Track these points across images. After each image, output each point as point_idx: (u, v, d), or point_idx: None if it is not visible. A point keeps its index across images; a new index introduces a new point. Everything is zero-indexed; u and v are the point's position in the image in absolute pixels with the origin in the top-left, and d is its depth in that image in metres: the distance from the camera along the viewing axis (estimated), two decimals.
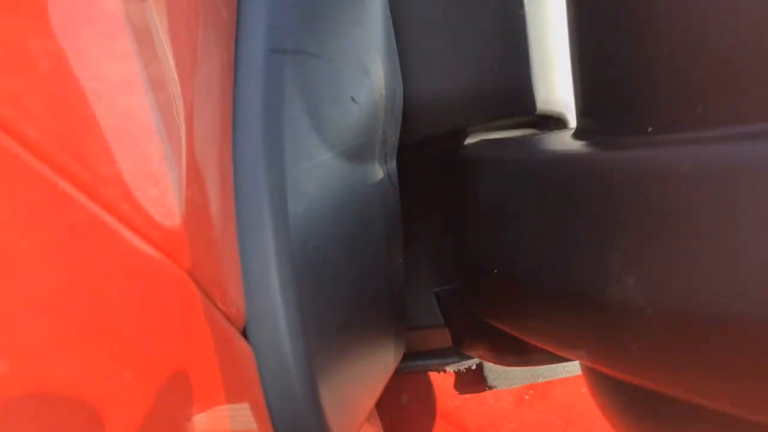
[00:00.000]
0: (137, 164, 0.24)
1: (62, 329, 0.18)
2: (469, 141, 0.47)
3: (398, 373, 0.59)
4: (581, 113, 0.35)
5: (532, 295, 0.34)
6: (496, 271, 0.36)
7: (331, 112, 0.36)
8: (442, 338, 0.55)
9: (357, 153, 0.37)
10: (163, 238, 0.24)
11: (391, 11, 0.42)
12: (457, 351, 0.60)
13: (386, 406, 0.66)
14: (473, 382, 0.70)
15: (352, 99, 0.37)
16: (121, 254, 0.21)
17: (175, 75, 0.28)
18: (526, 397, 0.71)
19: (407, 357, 0.59)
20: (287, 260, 0.31)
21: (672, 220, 0.25)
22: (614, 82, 0.30)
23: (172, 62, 0.28)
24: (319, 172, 0.35)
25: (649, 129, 0.28)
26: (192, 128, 0.30)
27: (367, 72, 0.38)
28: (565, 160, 0.32)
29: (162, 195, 0.25)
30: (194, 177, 0.29)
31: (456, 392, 0.69)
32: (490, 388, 0.69)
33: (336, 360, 0.35)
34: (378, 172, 0.40)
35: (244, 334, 0.30)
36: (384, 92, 0.39)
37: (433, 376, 0.69)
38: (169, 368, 0.22)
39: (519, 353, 0.50)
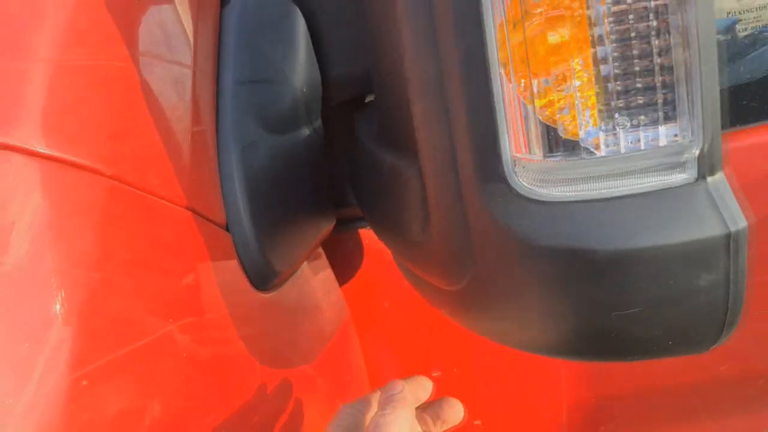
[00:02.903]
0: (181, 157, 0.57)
1: None
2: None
3: (345, 231, 0.90)
4: None
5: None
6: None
7: (269, 108, 0.67)
8: None
9: (286, 125, 0.69)
10: (187, 199, 0.57)
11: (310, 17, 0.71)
12: None
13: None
14: None
15: (282, 100, 0.68)
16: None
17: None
18: None
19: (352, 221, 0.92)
20: (246, 185, 0.64)
21: None
22: None
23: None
24: (264, 140, 0.67)
25: None
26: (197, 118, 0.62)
27: (292, 80, 0.69)
28: None
29: (186, 169, 0.58)
30: (199, 152, 0.61)
31: None
32: None
33: (278, 231, 0.68)
34: (304, 130, 0.72)
35: (227, 227, 0.64)
36: (304, 89, 0.70)
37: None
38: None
39: None
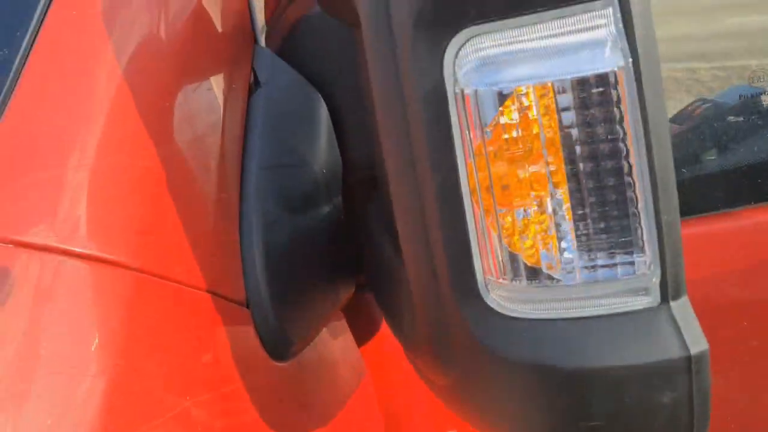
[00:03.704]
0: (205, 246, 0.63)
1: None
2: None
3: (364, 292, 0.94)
4: None
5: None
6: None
7: (291, 190, 0.73)
8: None
9: (307, 205, 0.75)
10: (208, 282, 0.63)
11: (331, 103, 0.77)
12: None
13: None
14: None
15: (303, 182, 0.74)
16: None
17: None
18: None
19: None
20: (266, 263, 0.70)
21: None
22: None
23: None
24: (285, 219, 0.73)
25: None
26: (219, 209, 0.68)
27: (313, 163, 0.74)
28: None
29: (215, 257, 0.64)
30: (221, 235, 0.67)
31: None
32: None
33: (297, 305, 0.74)
34: (324, 207, 0.77)
35: (247, 304, 0.70)
36: (324, 170, 0.75)
37: None
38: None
39: None
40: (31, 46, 0.60)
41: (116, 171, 0.59)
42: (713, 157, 0.91)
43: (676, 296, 0.48)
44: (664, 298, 0.48)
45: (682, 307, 0.48)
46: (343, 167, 0.78)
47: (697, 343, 0.47)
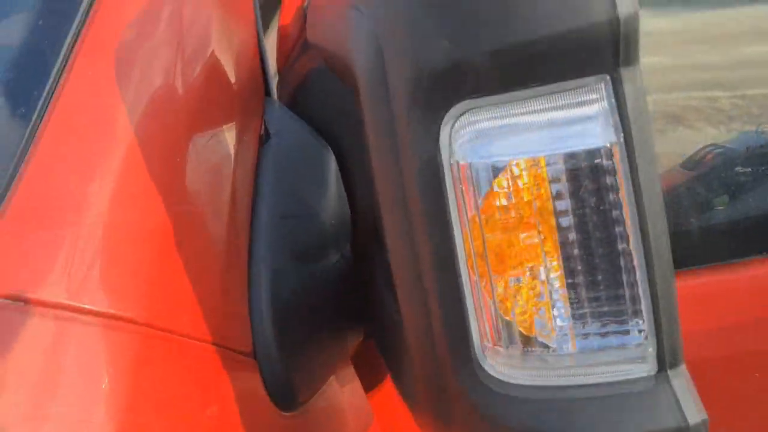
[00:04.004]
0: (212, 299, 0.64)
1: None
2: None
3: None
4: None
5: None
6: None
7: (299, 241, 0.74)
8: None
9: (315, 255, 0.76)
10: (214, 335, 0.64)
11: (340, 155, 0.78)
12: None
13: None
14: None
15: (312, 233, 0.75)
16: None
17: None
18: None
19: None
20: (273, 314, 0.71)
21: None
22: None
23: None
24: (293, 270, 0.74)
25: None
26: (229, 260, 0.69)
27: (322, 215, 0.76)
28: None
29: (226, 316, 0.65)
30: (229, 287, 0.68)
31: None
32: None
33: (304, 355, 0.75)
34: (333, 257, 0.78)
35: (254, 354, 0.71)
36: (333, 221, 0.77)
37: None
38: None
39: None
40: (48, 105, 0.62)
41: (126, 228, 0.61)
42: (723, 207, 0.91)
43: (674, 365, 0.48)
44: (662, 368, 0.48)
45: (679, 377, 0.48)
46: (351, 218, 0.79)
47: (696, 413, 0.47)
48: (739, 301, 0.88)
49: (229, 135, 0.74)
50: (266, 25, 1.00)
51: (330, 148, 0.77)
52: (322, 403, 0.79)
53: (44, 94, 0.62)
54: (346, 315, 0.81)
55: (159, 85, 0.69)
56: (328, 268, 0.78)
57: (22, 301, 0.55)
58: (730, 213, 0.90)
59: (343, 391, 0.85)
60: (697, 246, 0.90)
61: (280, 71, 0.87)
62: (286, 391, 0.72)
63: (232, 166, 0.72)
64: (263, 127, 0.78)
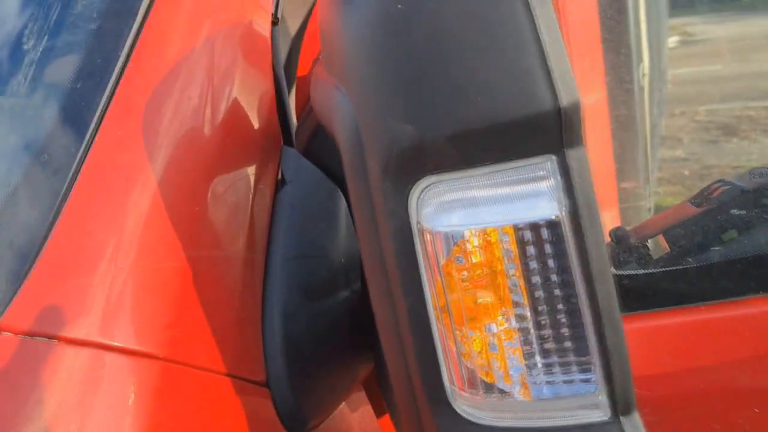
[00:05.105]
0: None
1: None
2: None
3: None
4: None
5: None
6: None
7: (312, 279, 0.81)
8: None
9: (327, 292, 0.82)
10: (229, 366, 0.71)
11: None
12: None
13: None
14: None
15: (323, 271, 0.82)
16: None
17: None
18: None
19: None
20: (286, 346, 0.77)
21: None
22: None
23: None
24: (306, 306, 0.80)
25: None
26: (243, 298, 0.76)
27: (333, 254, 0.82)
28: None
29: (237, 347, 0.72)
30: (244, 322, 0.76)
31: None
32: None
33: (315, 384, 0.81)
34: (344, 293, 0.85)
35: (267, 383, 0.77)
36: (343, 259, 0.83)
37: None
38: None
39: None
40: (83, 160, 0.70)
41: (149, 273, 0.68)
42: (730, 241, 0.94)
43: (626, 412, 0.53)
44: (614, 414, 0.52)
45: (631, 423, 0.53)
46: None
47: None
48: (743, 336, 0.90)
49: (246, 182, 0.81)
50: (290, 80, 1.07)
51: (339, 190, 0.84)
52: (333, 426, 0.85)
53: (80, 150, 0.71)
54: (356, 344, 0.88)
55: (181, 138, 0.76)
56: (339, 302, 0.84)
57: (57, 339, 0.63)
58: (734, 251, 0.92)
59: (354, 415, 0.91)
60: (705, 281, 0.92)
61: (297, 120, 0.94)
62: (298, 417, 0.78)
63: (249, 211, 0.80)
64: (280, 173, 0.85)
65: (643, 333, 0.90)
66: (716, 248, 0.93)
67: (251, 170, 0.82)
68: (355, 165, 0.54)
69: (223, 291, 0.75)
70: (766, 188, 0.97)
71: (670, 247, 0.94)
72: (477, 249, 0.50)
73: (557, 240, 0.49)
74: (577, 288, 0.50)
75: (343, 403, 0.90)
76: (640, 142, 1.54)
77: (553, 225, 0.49)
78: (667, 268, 0.90)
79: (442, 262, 0.51)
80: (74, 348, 0.64)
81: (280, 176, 0.85)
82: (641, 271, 0.90)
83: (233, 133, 0.81)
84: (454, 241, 0.50)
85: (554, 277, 0.50)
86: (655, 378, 0.89)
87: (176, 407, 0.67)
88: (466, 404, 0.55)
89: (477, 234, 0.50)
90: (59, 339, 0.63)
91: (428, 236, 0.51)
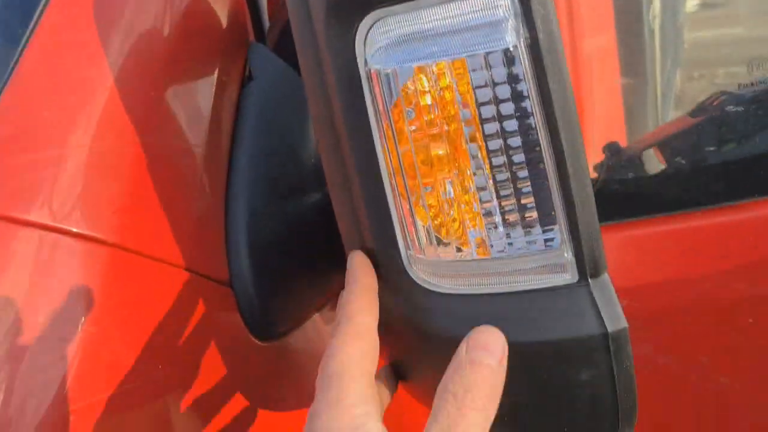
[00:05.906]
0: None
1: None
2: None
3: None
4: None
5: None
6: None
7: (280, 178, 0.76)
8: None
9: (297, 192, 0.78)
10: (188, 260, 0.67)
11: None
12: None
13: None
14: None
15: (293, 169, 0.77)
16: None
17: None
18: None
19: None
20: (250, 244, 0.73)
21: None
22: None
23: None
24: (274, 205, 0.76)
25: None
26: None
27: (302, 151, 0.78)
28: None
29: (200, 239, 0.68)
30: (205, 217, 0.72)
31: None
32: None
33: (282, 287, 0.77)
34: (315, 195, 0.80)
35: (230, 283, 0.74)
36: (313, 159, 0.79)
37: None
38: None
39: None
40: (29, 39, 0.66)
41: (98, 154, 0.64)
42: (727, 143, 0.89)
43: (595, 274, 0.48)
44: (582, 276, 0.48)
45: (601, 285, 0.48)
46: None
47: (616, 321, 0.47)
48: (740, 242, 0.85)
49: (210, 75, 0.76)
50: None
51: None
52: (303, 336, 0.81)
53: (28, 30, 0.66)
54: (330, 252, 0.84)
55: (140, 25, 0.72)
56: (309, 204, 0.80)
57: (10, 221, 0.60)
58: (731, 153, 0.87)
59: (328, 329, 0.87)
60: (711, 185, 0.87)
61: (270, 19, 0.89)
62: (263, 320, 0.74)
63: (211, 104, 0.75)
64: (247, 69, 0.80)
65: (637, 240, 0.85)
66: (712, 149, 0.88)
67: (217, 63, 0.78)
68: (298, 13, 0.49)
69: (182, 182, 0.71)
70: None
71: (665, 153, 0.89)
72: (427, 91, 0.45)
73: (514, 78, 0.44)
74: (539, 133, 0.45)
75: (317, 315, 0.86)
76: (649, 88, 1.48)
77: (510, 59, 0.44)
78: (663, 172, 0.86)
79: (390, 105, 0.46)
80: (18, 228, 0.60)
81: (247, 73, 0.80)
82: (633, 175, 0.85)
83: (199, 22, 0.76)
84: (402, 80, 0.46)
85: (512, 123, 0.45)
86: (648, 288, 0.85)
87: (128, 296, 0.63)
88: (422, 271, 0.51)
89: (426, 70, 0.45)
90: (4, 218, 0.60)
91: (375, 78, 0.46)
